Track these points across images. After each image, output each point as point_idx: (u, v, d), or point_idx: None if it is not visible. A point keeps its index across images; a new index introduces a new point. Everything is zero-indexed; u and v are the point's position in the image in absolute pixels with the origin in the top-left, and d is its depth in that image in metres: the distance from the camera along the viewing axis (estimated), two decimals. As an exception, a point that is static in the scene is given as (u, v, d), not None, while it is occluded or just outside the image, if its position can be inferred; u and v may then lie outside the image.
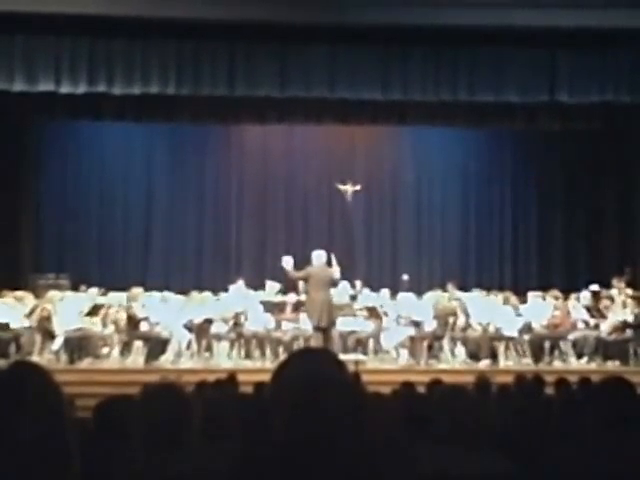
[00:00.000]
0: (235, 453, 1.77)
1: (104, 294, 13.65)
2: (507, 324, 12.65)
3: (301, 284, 12.98)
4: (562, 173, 17.10)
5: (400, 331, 12.67)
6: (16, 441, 1.61)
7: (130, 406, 3.16)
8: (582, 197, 17.05)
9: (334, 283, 11.71)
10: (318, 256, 11.66)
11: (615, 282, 14.00)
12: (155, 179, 17.26)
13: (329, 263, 11.68)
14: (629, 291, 13.66)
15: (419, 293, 13.95)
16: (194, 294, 13.70)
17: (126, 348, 12.46)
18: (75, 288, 14.19)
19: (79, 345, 12.21)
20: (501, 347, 12.59)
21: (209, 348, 12.65)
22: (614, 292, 13.65)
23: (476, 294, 14.10)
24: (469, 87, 12.77)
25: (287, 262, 11.69)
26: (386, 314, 12.98)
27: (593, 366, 12.04)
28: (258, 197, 17.26)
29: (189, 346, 12.58)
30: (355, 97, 12.91)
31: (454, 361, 12.49)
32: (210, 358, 12.55)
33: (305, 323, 12.52)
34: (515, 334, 12.63)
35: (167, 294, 13.76)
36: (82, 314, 12.55)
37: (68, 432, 1.70)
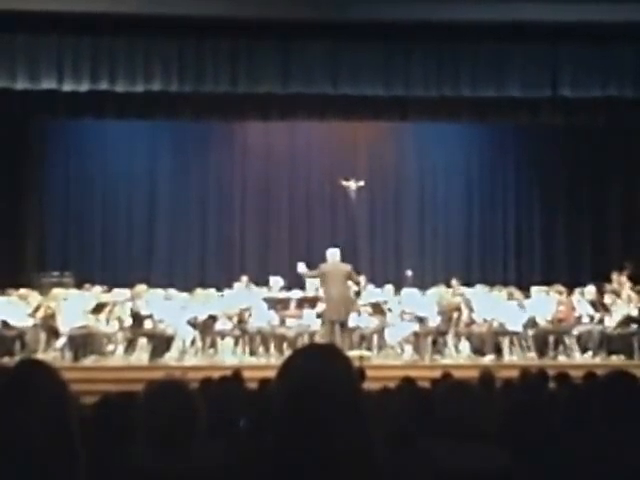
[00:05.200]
0: (239, 449, 1.77)
1: (108, 292, 13.66)
2: (511, 319, 12.65)
3: (308, 281, 13.19)
4: (565, 168, 17.07)
5: (404, 327, 12.67)
6: (24, 438, 1.61)
7: (134, 403, 3.16)
8: (585, 192, 17.02)
9: (350, 278, 12.21)
10: (332, 254, 12.30)
11: (615, 276, 14.00)
12: (158, 176, 17.26)
13: (343, 260, 12.39)
14: (630, 285, 13.65)
15: (423, 289, 13.94)
16: (198, 291, 13.71)
17: (130, 345, 12.47)
18: (79, 286, 14.18)
19: (83, 343, 12.23)
20: (505, 342, 12.58)
21: (213, 345, 12.67)
22: (615, 286, 13.65)
23: (480, 289, 14.07)
24: (471, 82, 12.77)
25: (301, 267, 12.52)
26: (390, 310, 13.00)
27: (598, 360, 12.02)
28: (261, 193, 17.26)
29: (193, 343, 12.59)
30: (357, 93, 12.92)
31: (458, 356, 12.49)
32: (214, 355, 12.57)
33: (309, 319, 12.57)
34: (519, 329, 12.63)
35: (171, 291, 13.78)
36: (86, 312, 12.56)
37: (74, 429, 1.71)
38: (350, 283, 12.38)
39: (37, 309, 12.55)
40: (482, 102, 13.61)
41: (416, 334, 12.54)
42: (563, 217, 17.14)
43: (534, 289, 13.78)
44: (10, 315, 12.35)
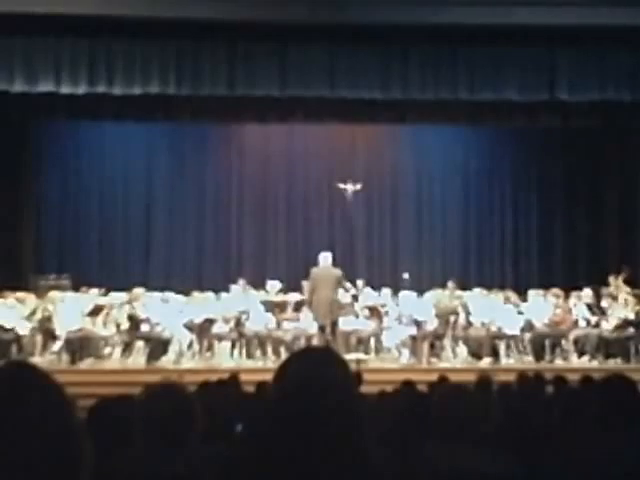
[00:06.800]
0: (236, 453, 1.77)
1: (105, 294, 13.64)
2: (508, 322, 12.65)
3: (305, 284, 13.24)
4: (562, 171, 17.08)
5: (401, 330, 12.67)
6: (15, 442, 1.60)
7: (131, 406, 3.15)
8: (582, 195, 17.04)
9: (339, 283, 12.04)
10: (325, 258, 12.23)
11: (612, 280, 14.00)
12: (155, 179, 17.25)
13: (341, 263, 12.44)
14: (627, 289, 13.66)
15: (420, 292, 13.92)
16: (195, 294, 13.71)
17: (127, 348, 12.46)
18: (76, 289, 14.16)
19: (80, 345, 12.21)
20: (502, 345, 12.58)
21: (210, 348, 12.65)
22: (612, 290, 13.66)
23: (477, 293, 14.07)
24: (469, 85, 12.78)
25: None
26: (387, 313, 12.99)
27: (595, 364, 12.04)
28: (258, 196, 17.25)
29: (190, 346, 12.58)
30: (355, 96, 12.92)
31: (455, 360, 12.48)
32: (211, 358, 12.55)
33: (306, 322, 12.55)
34: (516, 332, 12.63)
35: (168, 294, 13.75)
36: (83, 315, 12.55)
37: (72, 432, 1.69)
38: (346, 285, 12.44)
39: (34, 312, 12.53)
40: (479, 105, 13.63)
41: (413, 337, 12.53)
42: (560, 220, 17.16)
43: (531, 292, 13.79)
44: (7, 318, 12.33)
